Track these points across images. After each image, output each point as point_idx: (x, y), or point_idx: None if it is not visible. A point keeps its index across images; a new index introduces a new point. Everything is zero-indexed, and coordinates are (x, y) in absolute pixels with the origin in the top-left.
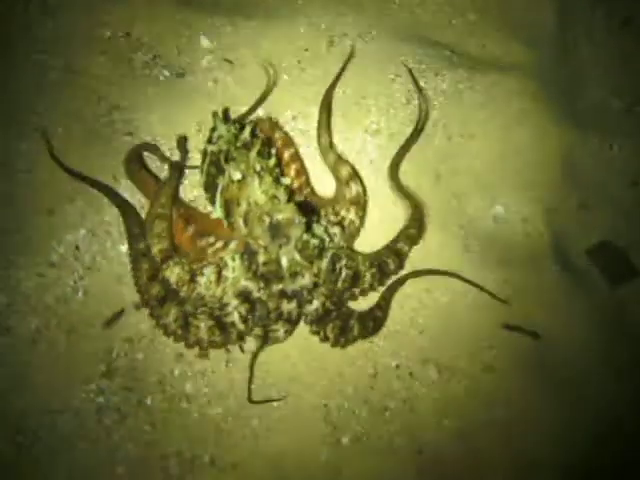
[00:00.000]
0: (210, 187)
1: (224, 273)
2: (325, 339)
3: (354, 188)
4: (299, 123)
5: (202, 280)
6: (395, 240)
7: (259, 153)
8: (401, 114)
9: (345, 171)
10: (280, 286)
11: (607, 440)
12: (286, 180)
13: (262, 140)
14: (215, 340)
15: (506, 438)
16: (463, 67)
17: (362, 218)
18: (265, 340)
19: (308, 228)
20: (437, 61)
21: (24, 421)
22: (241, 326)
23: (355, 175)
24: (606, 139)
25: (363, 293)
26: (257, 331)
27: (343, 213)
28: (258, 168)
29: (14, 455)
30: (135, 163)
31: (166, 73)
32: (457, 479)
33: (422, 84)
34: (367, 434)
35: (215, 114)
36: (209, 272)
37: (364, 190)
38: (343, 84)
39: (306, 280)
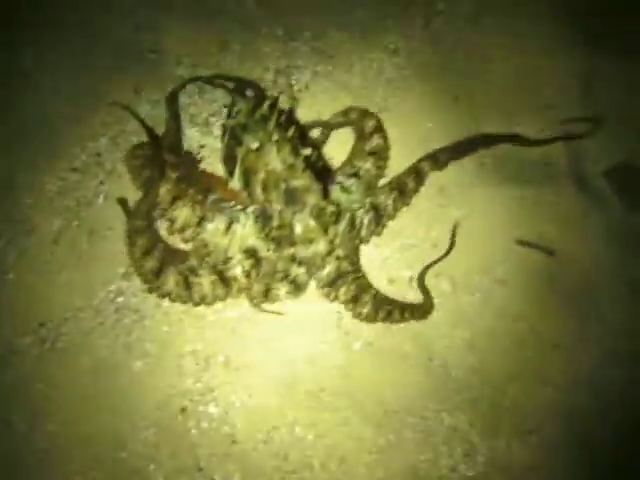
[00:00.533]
0: (229, 159)
1: (234, 226)
2: (334, 299)
3: (375, 141)
4: (317, 42)
5: (210, 226)
6: (420, 160)
7: (277, 124)
8: (419, 35)
9: (371, 123)
10: (292, 250)
11: (617, 355)
12: (306, 150)
13: (281, 111)
14: (219, 294)
15: (515, 349)
16: None
17: (381, 168)
18: (265, 296)
19: (325, 195)
20: None
21: (48, 316)
22: (243, 280)
23: (380, 128)
24: (630, 60)
25: (390, 218)
26: (259, 286)
27: (359, 164)
28: (276, 137)
29: (39, 348)
30: (174, 107)
31: None
32: (465, 385)
33: (442, 7)
34: (379, 340)
35: (234, 90)
36: (220, 221)
37: (386, 143)
38: (363, 4)
39: (320, 247)
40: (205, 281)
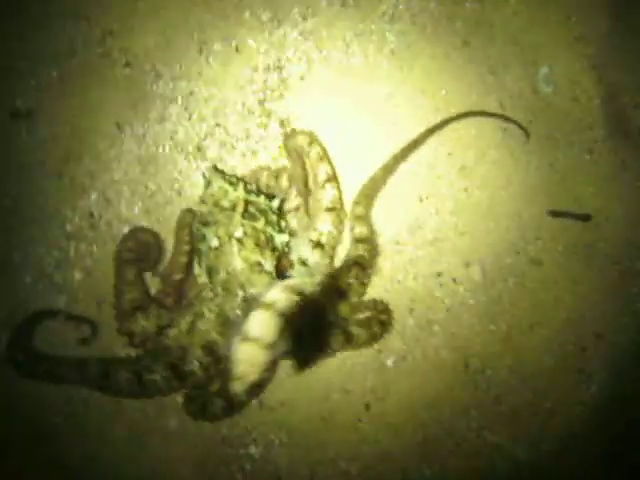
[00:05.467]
0: (195, 250)
1: (198, 324)
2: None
3: (330, 192)
4: (307, 22)
5: (172, 332)
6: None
7: (244, 215)
8: None
9: (324, 173)
10: None
11: None
12: (283, 237)
13: (253, 198)
14: (174, 386)
15: (555, 342)
16: None
17: (340, 226)
18: (230, 409)
19: None
20: None
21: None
22: (201, 375)
23: (333, 177)
24: None
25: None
26: (219, 402)
27: (320, 227)
28: (239, 233)
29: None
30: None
31: None
32: (504, 392)
33: None
34: (412, 352)
35: (211, 169)
36: (183, 323)
37: (340, 195)
38: None
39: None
40: (158, 378)
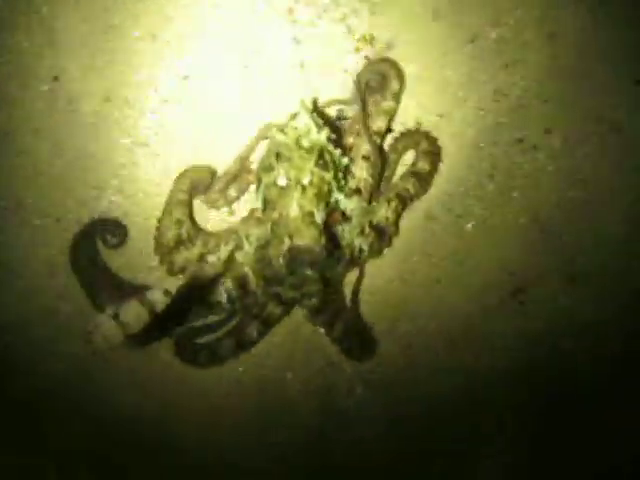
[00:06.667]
0: (259, 176)
1: (236, 255)
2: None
3: (372, 145)
4: None
5: (212, 258)
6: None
7: (318, 163)
8: None
9: (379, 125)
10: (279, 289)
11: None
12: (339, 195)
13: (330, 148)
14: (201, 315)
15: (630, 207)
16: None
17: (375, 176)
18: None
19: (330, 253)
20: None
21: None
22: (227, 307)
23: (385, 133)
24: None
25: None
26: (228, 343)
27: (358, 173)
28: (307, 180)
29: None
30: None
31: None
32: (578, 253)
33: None
34: (490, 217)
35: (303, 102)
36: (223, 251)
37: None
38: None
39: (312, 287)
40: None
